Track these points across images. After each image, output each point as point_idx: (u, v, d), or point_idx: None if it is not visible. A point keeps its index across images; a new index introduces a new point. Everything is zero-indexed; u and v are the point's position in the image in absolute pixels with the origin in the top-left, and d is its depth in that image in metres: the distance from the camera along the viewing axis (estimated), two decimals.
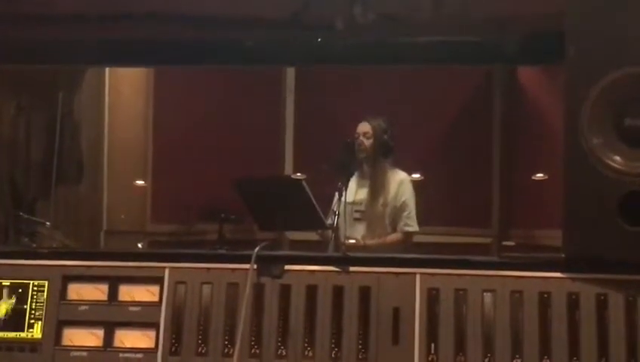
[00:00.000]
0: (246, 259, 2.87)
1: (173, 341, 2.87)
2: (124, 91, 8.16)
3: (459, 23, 4.32)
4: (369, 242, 5.85)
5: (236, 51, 4.61)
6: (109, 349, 2.91)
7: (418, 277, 2.84)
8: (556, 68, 3.12)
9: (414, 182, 6.13)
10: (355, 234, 5.88)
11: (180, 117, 7.95)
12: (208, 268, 2.94)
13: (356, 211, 5.93)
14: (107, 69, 7.71)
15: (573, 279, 2.76)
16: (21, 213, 6.31)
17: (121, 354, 2.90)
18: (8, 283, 2.98)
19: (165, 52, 4.72)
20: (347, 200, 5.54)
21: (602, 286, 2.73)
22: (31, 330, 2.94)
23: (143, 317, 2.91)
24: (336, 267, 2.89)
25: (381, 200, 5.93)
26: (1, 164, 6.73)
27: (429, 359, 2.76)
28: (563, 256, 2.77)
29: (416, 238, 6.03)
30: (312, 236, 6.05)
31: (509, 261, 2.90)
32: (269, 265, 2.90)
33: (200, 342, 2.86)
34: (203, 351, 2.86)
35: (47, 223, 6.23)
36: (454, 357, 2.75)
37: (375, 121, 6.00)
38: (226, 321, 2.86)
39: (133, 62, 5.82)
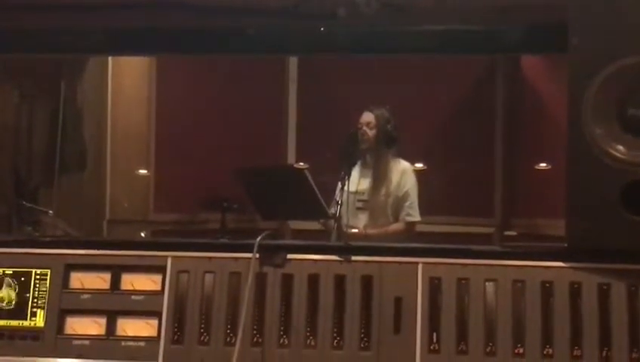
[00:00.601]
0: (248, 248, 2.88)
1: (176, 330, 2.88)
2: (126, 80, 8.16)
3: (462, 12, 4.31)
4: (370, 231, 5.85)
5: (238, 40, 4.60)
6: (111, 338, 2.91)
7: (420, 266, 2.84)
8: (559, 57, 3.11)
9: (417, 172, 6.13)
10: (358, 224, 5.88)
11: (183, 106, 7.95)
12: (210, 257, 2.94)
13: (359, 201, 5.93)
14: (110, 58, 7.70)
15: (575, 268, 2.76)
16: (24, 202, 6.32)
17: (123, 343, 2.90)
18: (11, 272, 2.99)
19: (168, 41, 4.71)
20: (350, 189, 5.54)
21: (604, 275, 2.73)
22: (33, 319, 2.94)
23: (145, 306, 2.92)
24: (339, 256, 2.89)
25: (383, 190, 5.93)
26: (3, 153, 6.73)
27: (431, 348, 2.77)
28: (565, 245, 2.77)
29: (419, 228, 6.03)
30: (314, 225, 6.05)
31: (511, 250, 2.90)
32: (271, 254, 2.90)
33: (202, 330, 2.87)
34: (205, 340, 2.86)
35: (50, 212, 6.24)
36: (456, 347, 2.76)
37: (378, 110, 6.00)
38: (228, 310, 2.87)
39: (135, 51, 5.81)
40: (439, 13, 4.19)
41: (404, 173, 5.99)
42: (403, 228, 5.92)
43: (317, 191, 5.39)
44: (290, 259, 2.90)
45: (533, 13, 4.09)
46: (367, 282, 2.84)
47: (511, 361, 2.73)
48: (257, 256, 2.87)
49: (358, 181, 5.91)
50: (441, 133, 8.25)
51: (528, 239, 7.28)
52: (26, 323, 2.94)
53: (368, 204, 5.93)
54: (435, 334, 2.77)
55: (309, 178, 5.42)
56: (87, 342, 2.91)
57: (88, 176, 7.58)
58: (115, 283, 2.95)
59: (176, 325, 2.88)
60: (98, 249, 3.01)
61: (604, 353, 2.68)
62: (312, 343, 2.82)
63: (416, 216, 5.94)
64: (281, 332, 2.84)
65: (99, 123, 7.82)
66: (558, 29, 2.89)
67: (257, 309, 2.85)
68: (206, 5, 4.39)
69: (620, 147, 2.66)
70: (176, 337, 2.87)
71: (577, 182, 2.72)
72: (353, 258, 2.89)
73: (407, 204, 5.92)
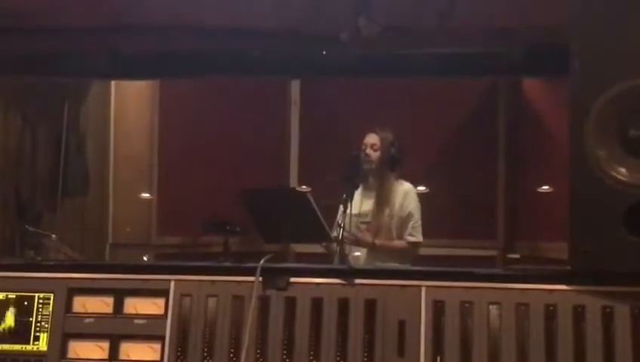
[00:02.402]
0: (251, 272, 2.88)
1: (179, 353, 2.87)
2: (129, 103, 8.17)
3: (464, 36, 4.33)
4: (378, 241, 5.82)
5: (241, 63, 4.63)
6: None
7: (424, 289, 2.84)
8: (561, 80, 3.12)
9: (419, 195, 6.12)
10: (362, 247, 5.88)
11: (186, 129, 7.97)
12: (213, 281, 2.94)
13: (362, 223, 5.92)
14: (113, 82, 7.72)
15: (578, 291, 2.75)
16: (27, 226, 6.31)
17: None
18: (14, 296, 2.99)
19: (170, 64, 4.74)
20: (352, 211, 5.53)
21: (608, 298, 2.72)
22: (36, 343, 2.94)
23: (148, 330, 2.91)
24: (342, 279, 2.89)
25: (387, 212, 5.92)
26: (6, 176, 6.73)
27: None
28: (568, 268, 2.77)
29: (422, 251, 6.02)
30: (317, 248, 6.05)
31: (514, 273, 2.90)
32: (274, 277, 2.90)
33: (205, 354, 2.86)
34: None
35: (53, 236, 6.23)
36: None
37: (383, 132, 5.99)
38: (231, 334, 2.86)
39: (137, 75, 5.84)
40: (441, 36, 4.21)
41: (406, 194, 5.98)
42: (406, 246, 5.90)
43: (319, 214, 5.39)
44: (293, 283, 2.90)
45: (535, 37, 4.12)
46: (370, 305, 2.84)
47: None
48: (260, 279, 2.87)
49: (360, 203, 5.90)
50: (443, 155, 8.25)
51: (531, 262, 7.28)
52: (29, 347, 2.94)
53: (371, 225, 5.91)
54: (438, 357, 2.77)
55: (312, 201, 5.42)
56: None
57: (91, 199, 7.58)
58: (118, 307, 2.95)
59: (179, 349, 2.88)
60: (101, 273, 3.01)
61: None
62: None
63: (418, 237, 5.92)
64: (284, 356, 2.83)
65: (102, 147, 7.83)
66: (559, 52, 2.90)
67: (260, 333, 2.85)
68: (208, 29, 4.41)
69: (622, 169, 2.67)
70: (179, 361, 2.87)
71: (580, 204, 2.72)
72: (356, 281, 2.88)
73: (410, 224, 5.90)
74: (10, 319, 2.96)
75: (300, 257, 7.10)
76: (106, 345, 2.92)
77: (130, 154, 8.12)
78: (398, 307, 2.83)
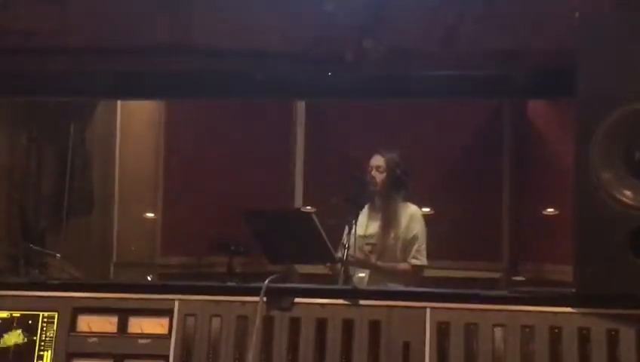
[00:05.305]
0: (255, 292, 2.87)
1: None
2: (135, 123, 8.18)
3: (469, 57, 4.34)
4: (381, 264, 5.83)
5: (247, 84, 4.63)
6: None
7: (428, 311, 2.83)
8: (566, 102, 3.13)
9: (424, 216, 6.12)
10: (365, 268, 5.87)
11: (191, 149, 7.97)
12: (218, 301, 2.94)
13: (367, 244, 5.92)
14: (119, 101, 7.73)
15: (583, 314, 2.75)
16: (31, 245, 6.31)
17: None
18: (18, 315, 2.98)
19: (176, 84, 4.74)
20: (358, 233, 5.53)
21: (613, 321, 2.72)
22: None
23: (152, 350, 2.91)
24: (346, 300, 2.89)
25: (392, 234, 5.92)
26: (11, 195, 6.74)
27: None
28: (573, 290, 2.76)
29: (426, 272, 6.02)
30: (321, 269, 6.04)
31: (519, 295, 2.89)
32: (278, 297, 2.90)
33: None
34: None
35: (58, 255, 6.23)
36: None
37: (388, 154, 6.00)
38: (235, 354, 2.86)
39: (144, 94, 5.84)
40: (446, 58, 4.21)
41: (412, 216, 5.98)
42: (409, 269, 5.90)
43: (324, 235, 5.39)
44: (298, 303, 2.90)
45: (540, 58, 4.12)
46: (374, 327, 2.83)
47: None
48: (265, 299, 2.87)
49: (366, 224, 5.90)
50: (447, 177, 8.24)
51: (536, 284, 7.25)
52: None
53: (377, 247, 5.92)
54: None
55: (317, 222, 5.42)
56: None
57: (96, 219, 7.58)
58: (123, 326, 2.95)
59: None
60: (105, 292, 3.01)
61: None
62: None
63: (422, 260, 5.93)
64: None
65: (107, 166, 7.83)
66: (564, 74, 2.91)
67: (264, 353, 2.84)
68: (215, 50, 4.42)
69: (628, 192, 2.67)
70: None
71: (585, 227, 2.72)
72: (361, 302, 2.88)
73: (415, 247, 5.91)
74: (14, 338, 2.95)
75: (305, 278, 7.09)
76: None
77: (135, 174, 8.12)
78: (403, 328, 2.82)
